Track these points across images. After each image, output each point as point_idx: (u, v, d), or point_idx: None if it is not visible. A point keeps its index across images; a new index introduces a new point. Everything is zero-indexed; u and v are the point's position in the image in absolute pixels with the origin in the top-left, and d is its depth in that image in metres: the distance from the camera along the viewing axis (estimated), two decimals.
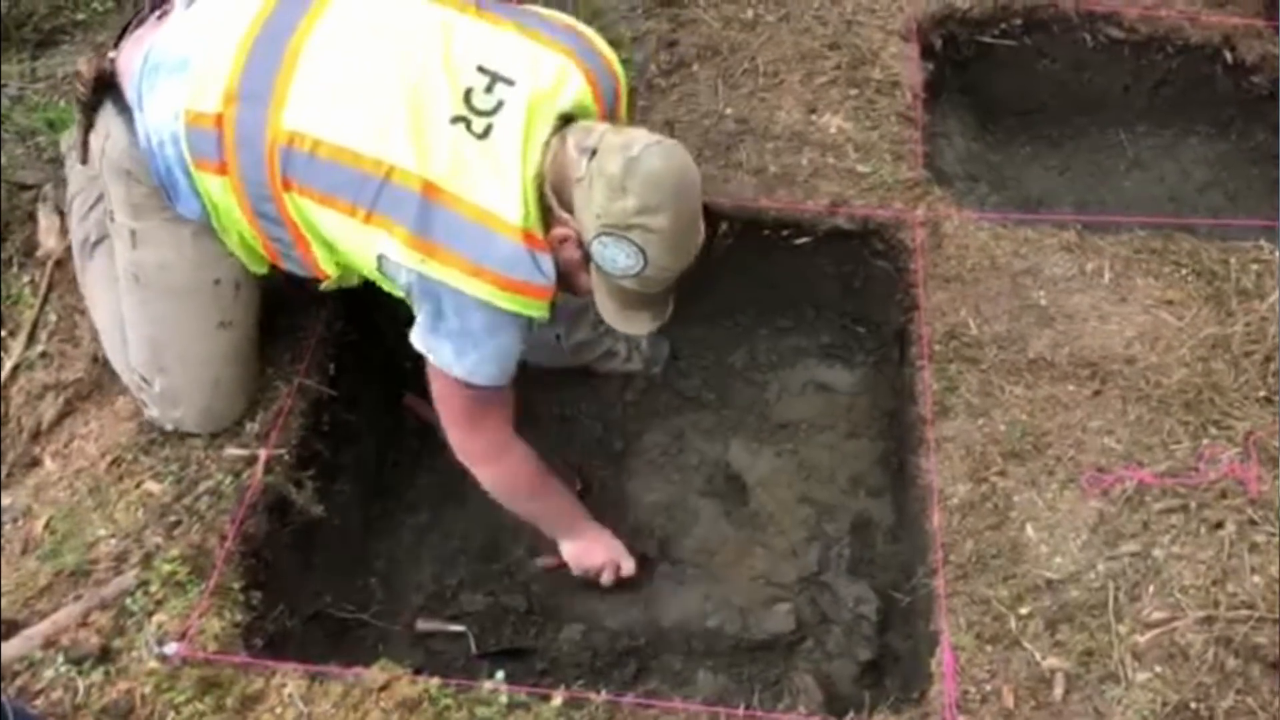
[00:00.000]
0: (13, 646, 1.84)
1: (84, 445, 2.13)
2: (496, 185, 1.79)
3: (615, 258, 1.80)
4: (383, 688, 1.78)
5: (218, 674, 1.80)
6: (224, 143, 1.86)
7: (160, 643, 1.83)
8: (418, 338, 1.92)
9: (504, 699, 1.78)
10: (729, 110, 2.72)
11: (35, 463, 2.13)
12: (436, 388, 2.00)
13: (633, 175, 1.74)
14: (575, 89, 1.90)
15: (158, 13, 2.02)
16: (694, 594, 2.26)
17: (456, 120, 1.81)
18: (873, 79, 2.79)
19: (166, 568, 1.92)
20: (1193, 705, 1.75)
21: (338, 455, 2.30)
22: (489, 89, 1.84)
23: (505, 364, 1.94)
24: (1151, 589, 1.88)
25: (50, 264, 2.38)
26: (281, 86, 1.83)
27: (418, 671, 1.83)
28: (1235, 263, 2.35)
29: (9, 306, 2.35)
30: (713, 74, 2.82)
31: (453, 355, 1.89)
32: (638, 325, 1.97)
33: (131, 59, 1.97)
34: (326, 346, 2.31)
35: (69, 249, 2.35)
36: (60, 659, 1.82)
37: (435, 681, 1.79)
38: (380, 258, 1.84)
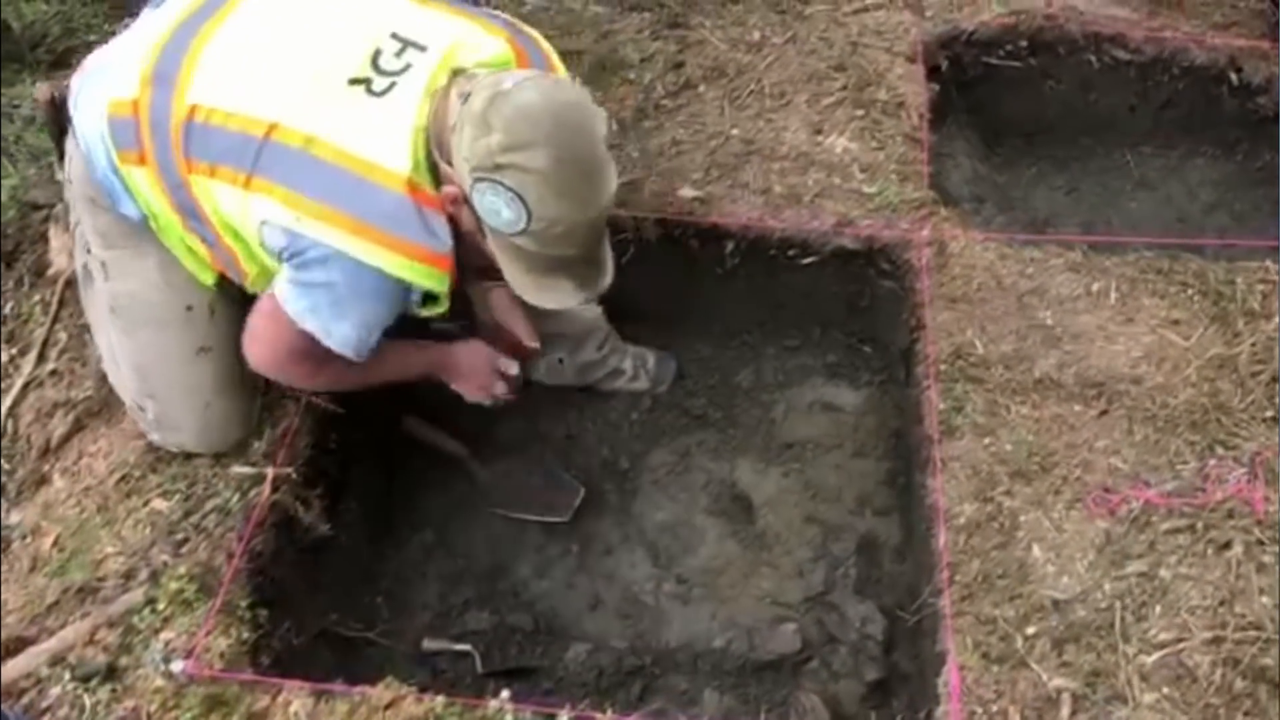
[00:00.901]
0: (19, 663, 1.84)
1: (92, 463, 2.14)
2: (383, 137, 1.69)
3: (496, 208, 1.63)
4: (388, 706, 1.78)
5: (224, 691, 1.80)
6: (140, 129, 1.81)
7: (167, 660, 1.83)
8: (278, 280, 1.81)
9: (509, 718, 1.77)
10: (735, 131, 2.73)
11: (44, 480, 2.14)
12: (261, 317, 1.87)
13: (497, 109, 1.60)
14: (491, 52, 1.81)
15: None
16: (700, 613, 2.26)
17: (356, 82, 1.73)
18: (879, 100, 2.80)
19: (174, 585, 1.92)
20: None
21: (345, 473, 2.31)
22: (399, 54, 1.76)
23: (366, 335, 1.82)
24: (1158, 609, 1.87)
25: (60, 283, 2.40)
26: (188, 66, 1.79)
27: (423, 690, 1.83)
28: (1241, 283, 2.34)
29: (20, 325, 2.37)
30: (719, 95, 2.83)
31: (307, 310, 1.78)
32: (557, 296, 1.78)
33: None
34: None
35: None
36: (67, 676, 1.82)
37: (441, 700, 1.79)
38: (262, 224, 1.74)
